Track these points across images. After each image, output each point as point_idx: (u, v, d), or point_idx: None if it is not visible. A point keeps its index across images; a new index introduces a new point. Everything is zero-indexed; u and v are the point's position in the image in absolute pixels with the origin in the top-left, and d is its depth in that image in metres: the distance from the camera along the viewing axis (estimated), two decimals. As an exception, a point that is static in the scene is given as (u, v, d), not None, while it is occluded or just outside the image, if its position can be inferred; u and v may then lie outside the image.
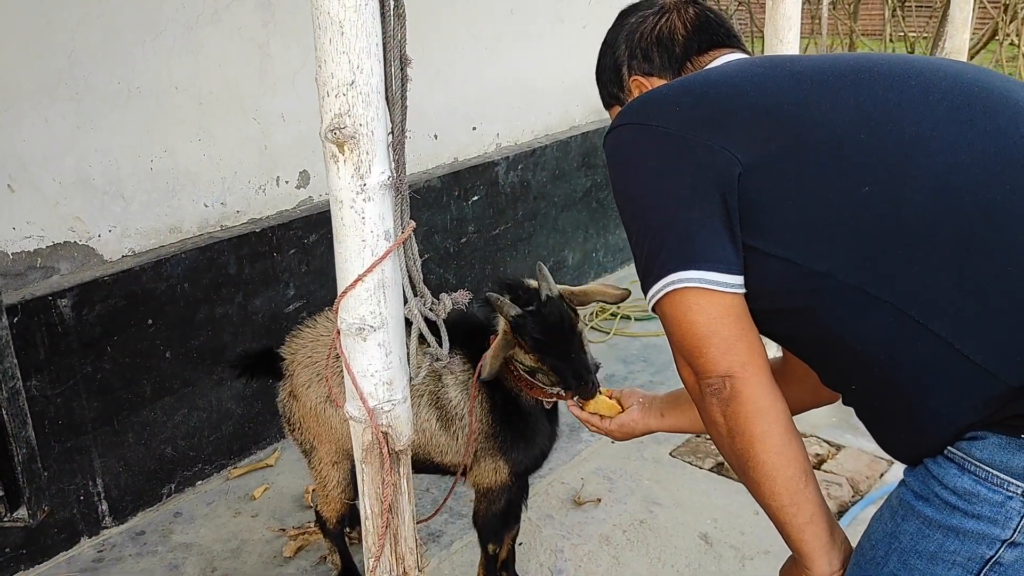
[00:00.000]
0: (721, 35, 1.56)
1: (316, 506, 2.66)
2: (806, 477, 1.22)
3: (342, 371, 1.48)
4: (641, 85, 1.54)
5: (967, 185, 1.12)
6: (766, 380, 1.21)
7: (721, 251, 1.19)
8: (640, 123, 1.32)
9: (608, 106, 1.67)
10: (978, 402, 1.11)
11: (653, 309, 1.26)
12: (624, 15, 1.63)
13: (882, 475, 3.19)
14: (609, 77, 1.62)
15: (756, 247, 1.20)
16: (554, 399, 2.27)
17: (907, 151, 1.15)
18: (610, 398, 1.99)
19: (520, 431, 2.33)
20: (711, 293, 1.19)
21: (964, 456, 1.12)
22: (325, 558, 2.84)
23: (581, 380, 2.05)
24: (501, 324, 2.16)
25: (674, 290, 1.20)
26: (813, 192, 1.18)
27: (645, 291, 1.26)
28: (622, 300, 2.16)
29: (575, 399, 2.04)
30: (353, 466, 2.49)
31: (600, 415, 1.96)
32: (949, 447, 1.14)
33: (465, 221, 4.27)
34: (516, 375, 2.24)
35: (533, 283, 2.18)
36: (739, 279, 1.20)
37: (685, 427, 1.84)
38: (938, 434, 1.15)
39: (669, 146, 1.25)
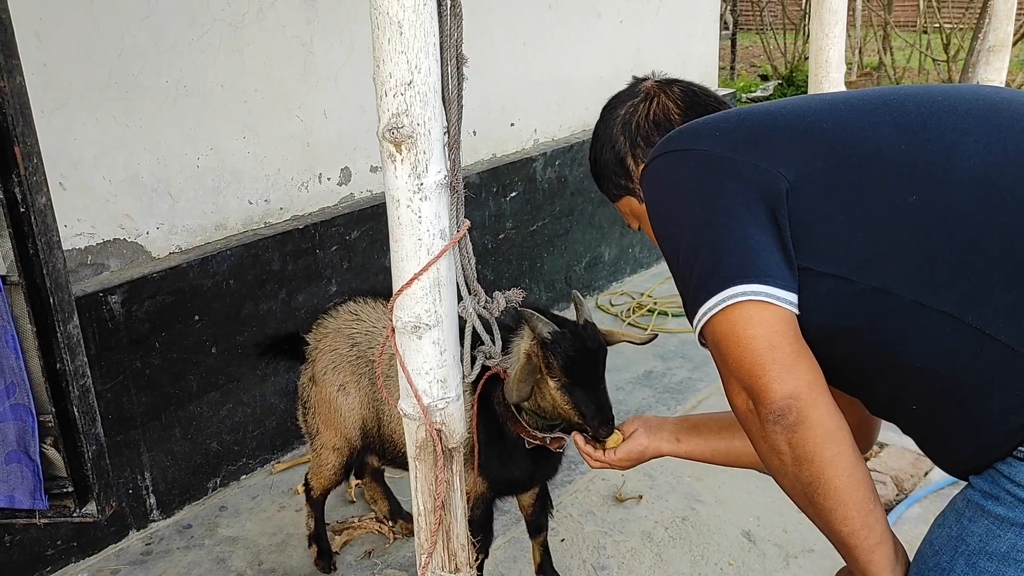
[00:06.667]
0: (712, 103, 1.59)
1: (307, 475, 2.78)
2: (874, 496, 1.19)
3: (396, 368, 1.49)
4: None
5: (1005, 184, 1.13)
6: (831, 400, 1.15)
7: (777, 268, 1.17)
8: (681, 149, 1.32)
9: (617, 198, 1.67)
10: None
11: (702, 333, 1.20)
12: (610, 110, 1.66)
13: (926, 473, 3.16)
14: (614, 171, 1.63)
15: (809, 267, 1.18)
16: (536, 442, 2.18)
17: (946, 157, 1.16)
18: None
19: (498, 455, 2.27)
20: (772, 307, 1.15)
21: None
22: (370, 553, 2.87)
23: (604, 415, 1.92)
24: (523, 346, 2.07)
25: (732, 304, 1.15)
26: (861, 207, 1.18)
27: (695, 311, 1.20)
28: (648, 342, 2.12)
29: (588, 436, 1.89)
30: (350, 454, 2.61)
31: (601, 446, 1.85)
32: (1020, 447, 1.11)
33: (503, 217, 4.27)
34: (505, 405, 2.19)
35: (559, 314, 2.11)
36: (795, 297, 1.17)
37: (706, 456, 1.72)
38: (1006, 440, 1.12)
39: (715, 167, 1.25)
